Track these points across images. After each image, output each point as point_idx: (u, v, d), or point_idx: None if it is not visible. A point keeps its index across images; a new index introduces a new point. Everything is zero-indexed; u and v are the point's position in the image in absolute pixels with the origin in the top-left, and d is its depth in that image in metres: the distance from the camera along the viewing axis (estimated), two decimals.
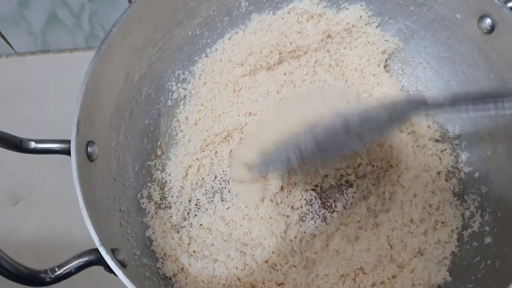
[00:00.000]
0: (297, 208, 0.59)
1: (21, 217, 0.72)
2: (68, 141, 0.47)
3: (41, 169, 0.74)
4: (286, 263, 0.54)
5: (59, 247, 0.68)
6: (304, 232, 0.58)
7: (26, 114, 0.77)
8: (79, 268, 0.43)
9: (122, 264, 0.44)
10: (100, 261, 0.43)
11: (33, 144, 0.48)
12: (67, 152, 0.47)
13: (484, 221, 0.55)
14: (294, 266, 0.54)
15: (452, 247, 0.55)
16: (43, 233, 0.70)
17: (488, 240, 0.52)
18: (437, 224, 0.57)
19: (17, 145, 0.47)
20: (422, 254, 0.55)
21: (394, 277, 0.53)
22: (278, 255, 0.54)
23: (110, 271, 0.44)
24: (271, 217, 0.57)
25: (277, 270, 0.54)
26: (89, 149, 0.49)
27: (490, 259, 0.50)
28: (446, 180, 0.60)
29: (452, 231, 0.56)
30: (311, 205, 0.60)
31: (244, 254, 0.54)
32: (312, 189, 0.61)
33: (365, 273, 0.53)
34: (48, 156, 0.75)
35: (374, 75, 0.66)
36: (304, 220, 0.59)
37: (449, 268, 0.54)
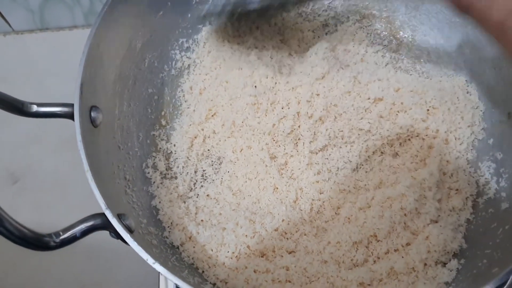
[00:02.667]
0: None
1: (20, 196, 0.71)
2: (71, 105, 0.45)
3: (40, 147, 0.73)
4: (296, 231, 0.53)
5: (58, 226, 0.67)
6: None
7: (25, 94, 0.75)
8: (85, 233, 0.42)
9: (129, 230, 0.43)
10: (106, 226, 0.42)
11: (35, 108, 0.46)
12: (70, 116, 0.46)
13: (500, 187, 0.53)
14: (305, 235, 0.53)
15: (467, 214, 0.54)
16: (42, 212, 0.69)
17: (505, 205, 0.51)
18: (451, 191, 0.55)
19: (18, 108, 0.45)
20: (436, 222, 0.53)
21: (408, 244, 0.51)
22: (288, 223, 0.53)
23: (117, 236, 0.43)
24: (278, 187, 0.56)
25: (287, 238, 0.52)
26: (92, 113, 0.47)
27: (508, 224, 0.48)
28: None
29: (466, 198, 0.54)
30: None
31: (253, 222, 0.53)
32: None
33: (378, 240, 0.52)
34: (48, 134, 0.75)
35: None
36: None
37: (464, 235, 0.52)
